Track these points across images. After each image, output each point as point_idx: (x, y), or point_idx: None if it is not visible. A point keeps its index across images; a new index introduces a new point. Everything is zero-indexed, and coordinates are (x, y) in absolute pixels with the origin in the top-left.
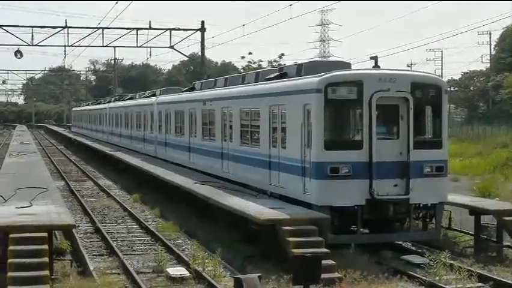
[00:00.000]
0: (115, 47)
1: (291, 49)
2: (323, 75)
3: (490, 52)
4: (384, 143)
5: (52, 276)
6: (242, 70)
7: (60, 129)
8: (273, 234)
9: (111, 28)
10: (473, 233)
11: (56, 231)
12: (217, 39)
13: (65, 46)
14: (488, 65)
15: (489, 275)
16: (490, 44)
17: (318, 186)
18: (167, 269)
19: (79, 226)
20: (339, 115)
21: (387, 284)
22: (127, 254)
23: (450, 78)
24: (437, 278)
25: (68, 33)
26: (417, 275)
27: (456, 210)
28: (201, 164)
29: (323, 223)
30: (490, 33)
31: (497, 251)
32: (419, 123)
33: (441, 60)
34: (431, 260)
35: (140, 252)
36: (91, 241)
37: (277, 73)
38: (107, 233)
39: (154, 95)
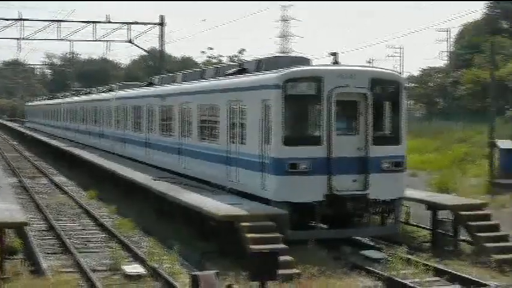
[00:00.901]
0: (71, 40)
1: (252, 44)
2: (282, 71)
3: (449, 49)
4: (344, 138)
5: (3, 276)
6: (202, 65)
7: (14, 125)
8: (231, 231)
9: (68, 21)
10: (430, 227)
11: (7, 230)
12: (178, 34)
13: (19, 39)
14: (447, 61)
15: (445, 269)
16: (449, 41)
17: (276, 182)
18: (123, 267)
19: (32, 224)
20: (298, 111)
21: (345, 279)
22: (82, 252)
23: (409, 75)
24: (394, 272)
25: (23, 26)
26: (376, 270)
27: (414, 205)
28: (160, 160)
29: (282, 219)
30: (449, 31)
31: (453, 245)
32: (378, 119)
33: (401, 56)
34: (389, 255)
35: (96, 250)
36: (44, 239)
37: (237, 68)
38: (61, 230)
39: (111, 90)
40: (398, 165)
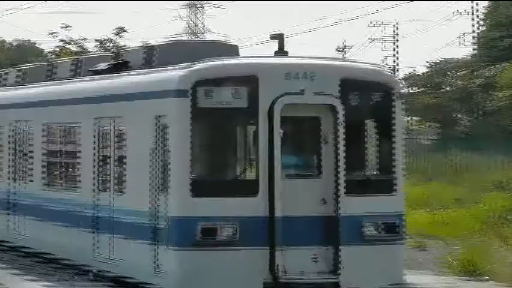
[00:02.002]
0: None
1: (138, 21)
2: (190, 66)
3: (475, 28)
4: (296, 183)
5: None
6: (53, 56)
7: None
8: None
9: None
10: None
11: None
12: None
13: None
14: (472, 49)
15: None
16: (476, 16)
17: (180, 261)
18: None
19: None
20: (217, 136)
21: None
22: None
23: (410, 72)
24: None
25: None
26: None
27: None
28: None
29: None
30: None
31: None
32: (356, 150)
33: (395, 40)
34: None
35: None
36: None
37: (112, 62)
38: None
39: None
40: (391, 229)
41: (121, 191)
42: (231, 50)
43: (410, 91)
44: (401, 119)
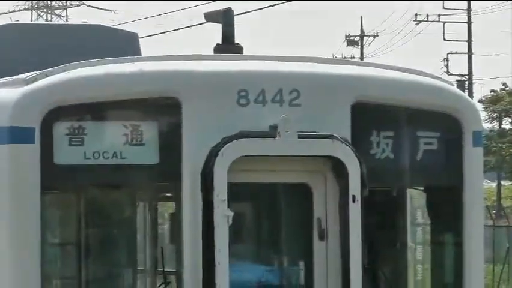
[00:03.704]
0: None
1: None
2: (38, 78)
3: None
4: None
5: None
6: None
7: None
8: None
9: None
10: None
11: None
12: None
13: None
14: None
15: None
16: None
17: None
18: None
19: None
20: (94, 226)
21: None
22: None
23: (495, 92)
24: None
25: None
26: None
27: None
28: None
29: None
30: None
31: None
32: (386, 255)
33: (469, 38)
34: None
35: None
36: None
37: None
38: None
39: None
40: None
41: None
42: (125, 41)
43: (499, 127)
44: (481, 187)
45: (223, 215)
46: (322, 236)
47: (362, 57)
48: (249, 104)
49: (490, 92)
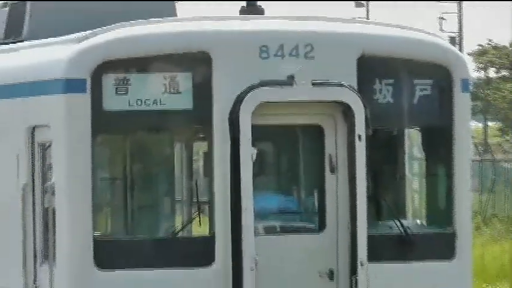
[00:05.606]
0: None
1: None
2: (88, 37)
3: None
4: (282, 244)
5: None
6: None
7: None
8: None
9: None
10: None
11: None
12: None
13: None
14: None
15: None
16: None
17: None
18: None
19: None
20: (137, 162)
21: None
22: None
23: (482, 45)
24: None
25: None
26: None
27: None
28: None
29: None
30: None
31: None
32: (387, 184)
33: None
34: None
35: None
36: None
37: None
38: None
39: None
40: None
41: None
42: (161, 8)
43: (485, 76)
44: (469, 127)
45: (247, 152)
46: (332, 169)
47: (367, 17)
48: (269, 57)
49: (477, 45)
